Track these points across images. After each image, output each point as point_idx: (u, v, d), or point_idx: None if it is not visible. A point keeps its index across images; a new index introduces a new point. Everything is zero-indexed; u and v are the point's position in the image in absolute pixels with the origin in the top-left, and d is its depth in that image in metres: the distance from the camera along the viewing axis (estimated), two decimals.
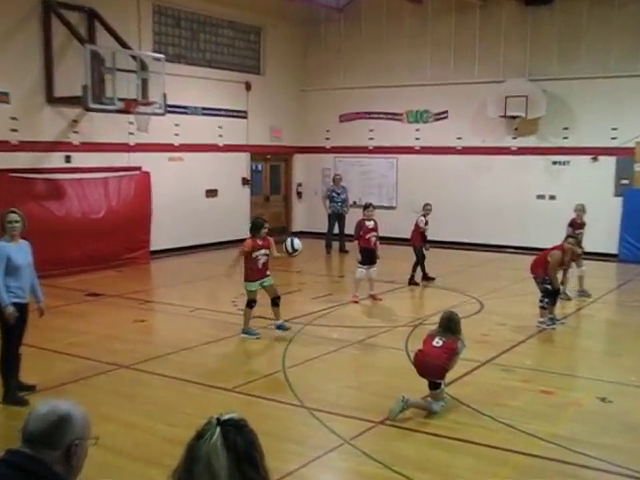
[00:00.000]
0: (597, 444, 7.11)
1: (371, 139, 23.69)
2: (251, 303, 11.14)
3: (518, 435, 7.27)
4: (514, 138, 21.62)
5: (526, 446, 7.03)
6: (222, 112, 21.55)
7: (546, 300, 11.91)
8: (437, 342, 7.94)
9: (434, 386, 7.83)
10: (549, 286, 11.89)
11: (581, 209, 15.37)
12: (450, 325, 8.10)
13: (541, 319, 11.94)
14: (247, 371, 9.80)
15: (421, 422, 7.60)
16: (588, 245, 15.46)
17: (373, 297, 14.15)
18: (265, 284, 11.21)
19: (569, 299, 14.33)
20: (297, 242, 11.69)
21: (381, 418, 7.61)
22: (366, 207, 14.77)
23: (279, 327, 11.29)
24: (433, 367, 7.80)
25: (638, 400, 8.68)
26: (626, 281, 17.31)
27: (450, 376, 8.77)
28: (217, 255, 18.79)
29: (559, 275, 12.76)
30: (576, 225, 15.03)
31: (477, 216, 21.71)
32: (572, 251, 12.34)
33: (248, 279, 11.16)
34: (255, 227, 11.25)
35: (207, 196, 21.18)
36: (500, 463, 6.76)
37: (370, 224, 14.37)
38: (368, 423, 7.56)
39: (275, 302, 11.29)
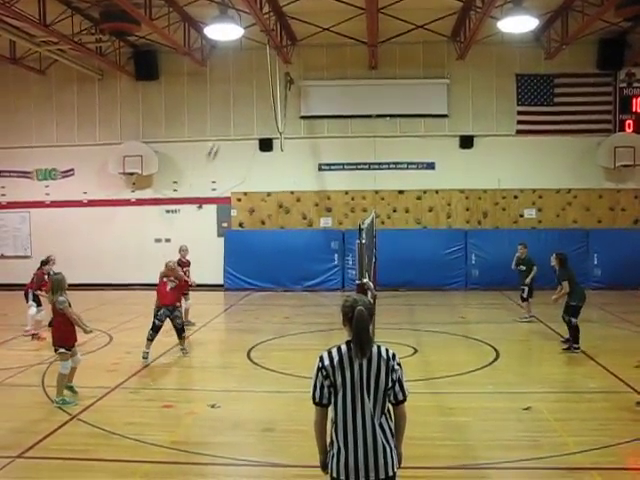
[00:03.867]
0: (210, 443, 7.32)
1: (3, 195, 22.34)
2: None
3: (145, 447, 7.20)
4: (133, 191, 21.77)
5: (152, 455, 6.99)
6: None
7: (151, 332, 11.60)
8: None
9: None
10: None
11: (185, 249, 15.11)
12: None
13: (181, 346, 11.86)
14: None
15: (54, 449, 7.15)
16: (200, 278, 15.71)
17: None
18: None
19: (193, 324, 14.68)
20: None
21: (18, 452, 7.05)
22: None
23: None
24: None
25: (240, 402, 9.05)
26: (230, 306, 18.18)
27: (84, 403, 8.64)
28: None
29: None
30: (182, 264, 14.68)
31: (105, 259, 21.38)
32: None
33: None
34: None
35: None
36: (129, 474, 6.65)
37: None
38: (5, 460, 6.84)
39: None
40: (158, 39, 18.98)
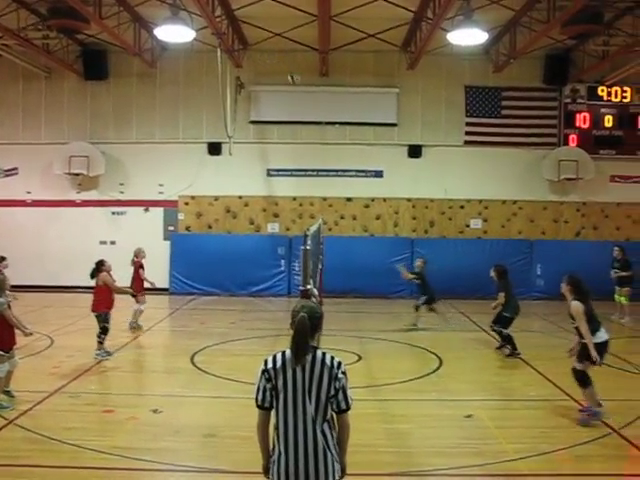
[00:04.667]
0: (151, 449, 7.22)
1: None
2: None
3: (84, 453, 7.06)
4: (78, 192, 21.42)
5: (91, 461, 6.86)
6: None
7: (103, 336, 11.57)
8: None
9: None
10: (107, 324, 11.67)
11: (143, 252, 15.04)
12: None
13: (98, 351, 11.54)
14: None
15: None
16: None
17: None
18: None
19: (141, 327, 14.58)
20: None
21: None
22: None
23: None
24: None
25: (182, 408, 8.98)
26: (175, 310, 18.03)
27: (21, 407, 8.44)
28: None
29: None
30: (141, 266, 14.77)
31: (49, 260, 20.98)
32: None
33: None
34: None
35: None
36: None
37: None
38: None
39: None
40: (108, 38, 18.73)
